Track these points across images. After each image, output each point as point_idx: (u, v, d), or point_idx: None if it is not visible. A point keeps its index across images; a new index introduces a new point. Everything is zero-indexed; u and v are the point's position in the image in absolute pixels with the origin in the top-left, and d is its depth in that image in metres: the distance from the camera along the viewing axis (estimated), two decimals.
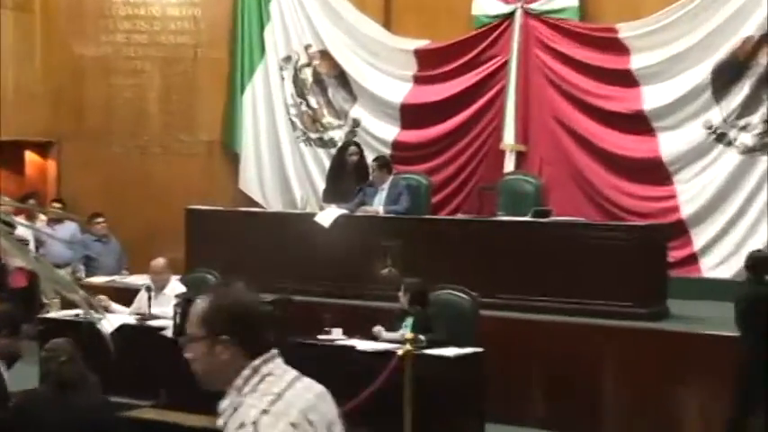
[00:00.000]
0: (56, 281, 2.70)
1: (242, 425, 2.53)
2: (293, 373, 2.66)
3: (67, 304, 8.02)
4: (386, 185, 9.32)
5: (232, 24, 11.77)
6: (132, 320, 8.12)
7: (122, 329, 7.67)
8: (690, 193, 9.46)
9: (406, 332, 7.13)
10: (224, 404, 2.61)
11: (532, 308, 8.03)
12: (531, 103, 10.21)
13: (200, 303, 2.66)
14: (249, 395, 2.58)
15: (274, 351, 2.69)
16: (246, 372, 2.61)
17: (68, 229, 10.92)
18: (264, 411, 2.54)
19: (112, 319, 7.50)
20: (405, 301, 7.41)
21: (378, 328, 7.37)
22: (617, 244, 7.96)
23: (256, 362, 2.63)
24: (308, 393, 2.62)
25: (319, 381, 6.46)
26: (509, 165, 10.17)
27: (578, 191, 9.88)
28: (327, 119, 11.39)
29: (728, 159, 9.34)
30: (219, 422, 2.60)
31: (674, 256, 8.99)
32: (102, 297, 8.32)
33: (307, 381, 2.67)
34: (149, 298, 8.28)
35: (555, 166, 10.03)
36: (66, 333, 8.03)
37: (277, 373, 2.62)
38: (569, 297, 7.95)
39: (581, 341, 7.66)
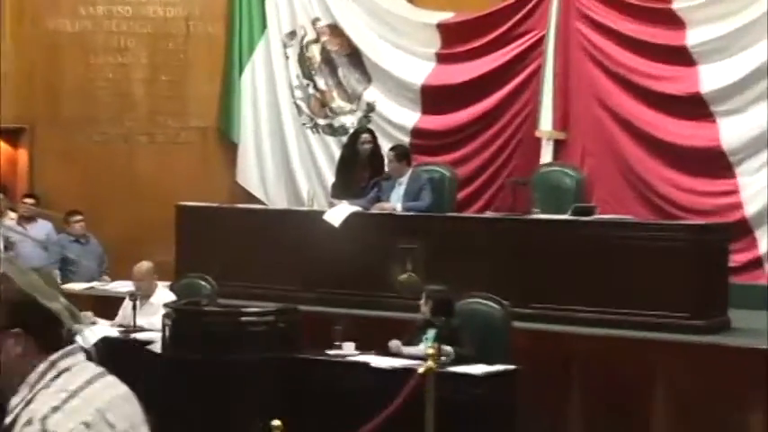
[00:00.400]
0: (33, 287, 2.72)
1: (29, 421, 2.55)
2: (95, 369, 2.70)
3: None
4: (405, 179, 9.33)
5: None
6: (115, 333, 8.15)
7: (103, 343, 7.68)
8: (755, 187, 9.41)
9: (427, 346, 7.13)
10: (14, 401, 2.63)
11: (573, 319, 8.01)
12: (571, 84, 10.19)
13: None
14: (42, 391, 2.62)
15: (75, 345, 2.72)
16: (42, 366, 2.65)
17: (42, 228, 10.95)
18: (55, 408, 2.57)
19: (89, 335, 7.52)
20: (426, 311, 7.43)
21: (395, 343, 7.38)
22: (671, 246, 7.92)
23: (54, 356, 2.67)
24: (109, 392, 2.68)
25: (330, 401, 6.48)
26: (546, 155, 10.16)
27: (626, 185, 9.86)
28: (338, 103, 11.40)
29: None
30: (7, 420, 2.61)
31: (736, 260, 8.95)
32: (89, 313, 8.37)
33: (110, 379, 2.71)
34: (134, 307, 8.31)
35: (599, 157, 10.02)
36: None
37: (76, 369, 2.67)
38: (615, 307, 7.92)
39: (629, 357, 7.64)
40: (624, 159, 9.91)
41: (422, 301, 7.47)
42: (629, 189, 9.86)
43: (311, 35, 11.53)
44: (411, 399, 6.67)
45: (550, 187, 9.40)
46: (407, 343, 7.40)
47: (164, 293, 8.52)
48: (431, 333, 7.30)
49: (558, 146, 10.21)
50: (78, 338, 7.85)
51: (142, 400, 7.94)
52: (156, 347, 7.60)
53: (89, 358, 2.71)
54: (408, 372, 6.83)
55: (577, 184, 9.44)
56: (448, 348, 7.10)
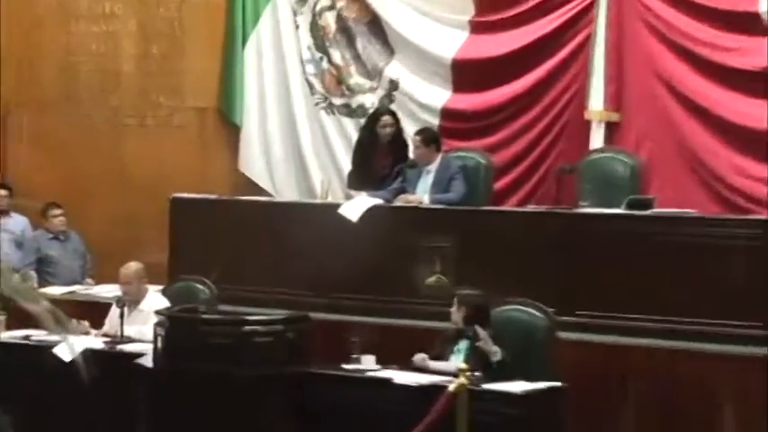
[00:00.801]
0: (15, 289, 2.73)
1: None
2: None
3: (18, 321, 8.07)
4: (433, 167, 9.33)
5: None
6: (100, 344, 8.16)
7: (85, 357, 7.67)
8: None
9: (459, 360, 7.13)
10: None
11: (627, 329, 8.01)
12: (625, 57, 10.15)
13: None
14: None
15: None
16: None
17: (16, 223, 10.98)
18: None
19: (75, 343, 7.52)
20: (459, 320, 7.43)
21: (420, 356, 7.38)
22: (742, 245, 7.91)
23: None
24: None
25: (346, 423, 6.46)
26: (596, 139, 10.14)
27: (689, 174, 9.81)
28: (356, 79, 11.39)
29: None
30: None
31: None
32: (85, 323, 8.37)
33: None
34: (121, 315, 8.33)
35: (658, 141, 9.98)
36: (14, 361, 8.15)
37: None
38: (678, 315, 7.91)
39: (694, 373, 7.64)
40: (687, 144, 9.86)
41: (453, 308, 7.48)
42: (692, 178, 9.81)
43: (325, 0, 11.52)
44: (440, 420, 6.69)
45: (601, 176, 9.39)
46: (436, 357, 7.42)
47: (155, 299, 8.54)
48: (463, 345, 7.31)
49: (611, 129, 10.17)
50: (57, 350, 7.90)
51: (131, 421, 7.94)
52: (147, 361, 7.61)
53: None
54: (437, 389, 6.83)
55: (632, 172, 9.43)
56: (494, 348, 7.08)
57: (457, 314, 7.44)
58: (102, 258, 10.73)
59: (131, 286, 8.57)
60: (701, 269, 7.94)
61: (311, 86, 11.59)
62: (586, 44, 10.31)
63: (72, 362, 7.36)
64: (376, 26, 11.30)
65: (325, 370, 7.48)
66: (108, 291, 9.57)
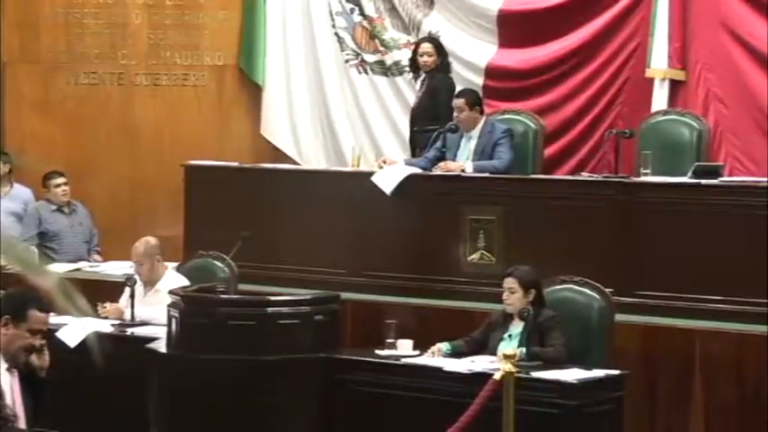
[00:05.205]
0: (21, 260, 2.76)
1: None
2: None
3: None
4: (476, 131, 9.32)
5: None
6: (108, 327, 8.18)
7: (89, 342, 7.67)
8: None
9: (512, 346, 7.08)
10: None
11: (694, 311, 8.00)
12: (692, 8, 10.10)
13: None
14: None
15: None
16: None
17: (19, 194, 11.01)
18: None
19: (80, 324, 7.51)
20: (523, 305, 7.26)
21: (441, 347, 7.35)
22: None
23: None
24: None
25: (379, 413, 6.46)
26: (659, 100, 10.11)
27: (763, 139, 9.77)
28: (391, 33, 11.39)
29: None
30: None
31: None
32: (113, 306, 8.37)
33: None
34: (132, 295, 8.37)
35: (728, 102, 9.94)
36: None
37: None
38: (750, 296, 7.88)
39: None
40: (761, 106, 9.81)
41: (516, 293, 7.23)
42: (766, 144, 9.76)
43: None
44: (484, 412, 6.66)
45: (664, 141, 9.36)
46: (478, 344, 7.41)
47: (174, 278, 8.50)
48: (515, 329, 7.26)
49: (675, 89, 10.14)
50: (61, 334, 7.91)
51: (142, 412, 7.97)
52: (160, 345, 7.64)
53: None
54: (482, 377, 6.81)
55: (699, 137, 9.40)
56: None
57: (522, 299, 7.27)
58: (110, 233, 10.78)
59: (143, 266, 8.55)
60: None
61: (341, 41, 11.59)
62: None
63: (77, 347, 7.43)
64: None
65: (357, 356, 7.51)
66: (117, 268, 9.60)
